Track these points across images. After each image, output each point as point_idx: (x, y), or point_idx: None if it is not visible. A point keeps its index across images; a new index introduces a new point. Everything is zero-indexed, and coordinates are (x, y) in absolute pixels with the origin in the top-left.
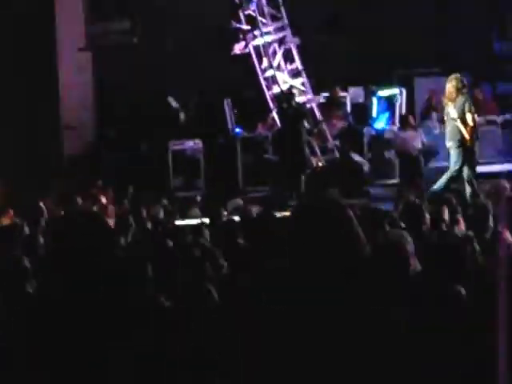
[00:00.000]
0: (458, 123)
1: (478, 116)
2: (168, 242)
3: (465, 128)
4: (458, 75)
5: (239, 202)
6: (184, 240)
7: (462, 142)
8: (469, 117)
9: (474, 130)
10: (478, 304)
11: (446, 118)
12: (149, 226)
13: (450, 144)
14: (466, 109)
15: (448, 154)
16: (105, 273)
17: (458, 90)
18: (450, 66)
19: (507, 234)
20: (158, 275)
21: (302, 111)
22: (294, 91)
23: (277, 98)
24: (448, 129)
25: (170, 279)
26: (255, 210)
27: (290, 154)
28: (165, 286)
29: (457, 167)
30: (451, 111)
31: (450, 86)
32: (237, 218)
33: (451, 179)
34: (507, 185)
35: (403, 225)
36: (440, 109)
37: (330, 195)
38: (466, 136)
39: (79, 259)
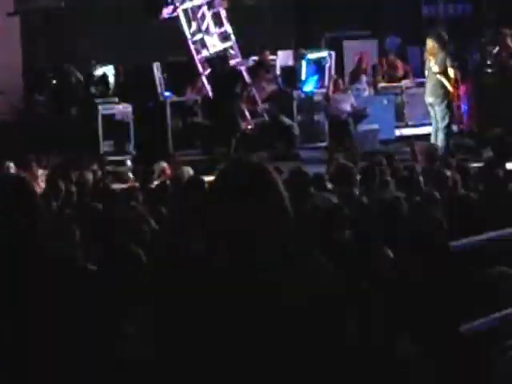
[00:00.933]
0: (442, 77)
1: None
2: (97, 205)
3: (448, 82)
4: (440, 31)
5: (164, 165)
6: (114, 203)
7: (446, 96)
8: (451, 71)
9: (456, 85)
10: (410, 265)
11: (426, 73)
12: (78, 189)
13: (432, 100)
14: (448, 63)
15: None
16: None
17: (440, 46)
18: (379, 29)
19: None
20: (86, 239)
21: (235, 74)
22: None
23: (210, 60)
24: (429, 84)
25: (99, 242)
26: (183, 172)
27: (223, 117)
28: (93, 250)
29: (446, 122)
30: (433, 66)
31: (431, 41)
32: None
33: (448, 135)
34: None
35: (331, 187)
36: (370, 71)
37: (257, 158)
38: (450, 89)
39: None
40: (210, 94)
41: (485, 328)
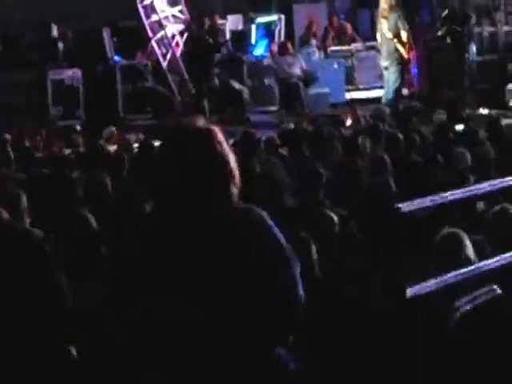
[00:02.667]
0: (396, 42)
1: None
2: (45, 170)
3: (402, 46)
4: None
5: (115, 130)
6: (62, 168)
7: (400, 60)
8: (403, 34)
9: (410, 47)
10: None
11: (379, 37)
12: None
13: (387, 63)
14: (400, 26)
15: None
16: None
17: (391, 7)
18: None
19: None
20: (34, 204)
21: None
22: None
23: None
24: (383, 48)
25: (45, 207)
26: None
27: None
28: (40, 215)
29: (397, 85)
30: (384, 28)
31: (383, 2)
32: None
33: (398, 98)
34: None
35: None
36: (320, 35)
37: (202, 121)
38: (404, 54)
39: None
40: (160, 58)
41: (432, 290)
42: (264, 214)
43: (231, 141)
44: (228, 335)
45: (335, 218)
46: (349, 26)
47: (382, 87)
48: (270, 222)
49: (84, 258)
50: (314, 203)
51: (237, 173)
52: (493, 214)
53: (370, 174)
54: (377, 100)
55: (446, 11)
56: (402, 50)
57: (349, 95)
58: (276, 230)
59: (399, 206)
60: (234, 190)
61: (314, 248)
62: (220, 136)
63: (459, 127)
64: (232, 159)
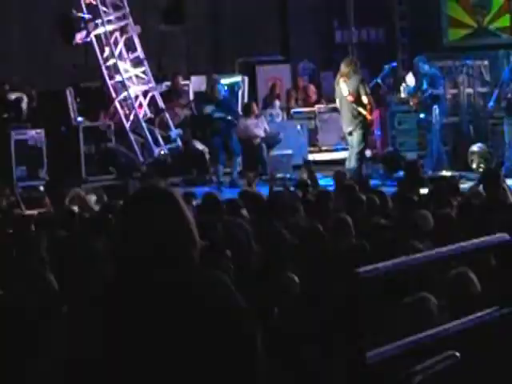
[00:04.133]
0: (357, 106)
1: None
2: (9, 230)
3: (364, 109)
4: (352, 57)
5: (78, 191)
6: (26, 229)
7: (363, 124)
8: (364, 98)
9: (371, 109)
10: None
11: (338, 102)
12: None
13: (351, 128)
14: (362, 91)
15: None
16: None
17: (353, 71)
18: (292, 55)
19: None
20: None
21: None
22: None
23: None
24: (345, 112)
25: (11, 268)
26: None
27: None
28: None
29: (361, 147)
30: (345, 92)
31: (344, 66)
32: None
33: (361, 160)
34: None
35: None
36: (283, 97)
37: (166, 185)
38: (368, 116)
39: None
40: (123, 119)
41: (391, 354)
42: (225, 279)
43: (195, 202)
44: None
45: (297, 280)
46: (312, 88)
47: (345, 149)
48: (232, 291)
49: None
50: (277, 265)
51: (197, 236)
52: (450, 277)
53: (333, 235)
54: (340, 161)
55: (410, 73)
56: (364, 112)
57: (312, 157)
58: (238, 298)
59: (359, 270)
60: (195, 253)
61: (275, 310)
62: (180, 199)
63: (424, 190)
64: (192, 222)
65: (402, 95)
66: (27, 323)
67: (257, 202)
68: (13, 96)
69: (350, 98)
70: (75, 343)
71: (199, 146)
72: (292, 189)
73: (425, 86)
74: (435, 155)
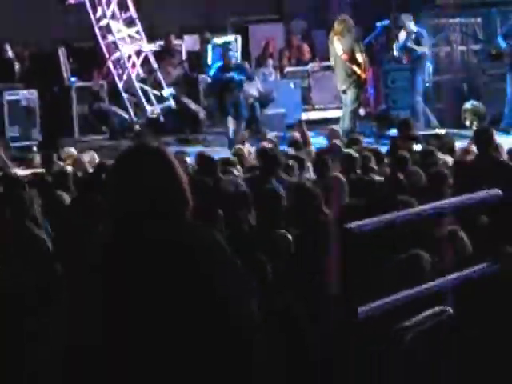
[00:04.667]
0: (351, 64)
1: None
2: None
3: (358, 67)
4: (346, 16)
5: (72, 150)
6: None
7: (357, 82)
8: (359, 56)
9: (365, 68)
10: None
11: (332, 60)
12: None
13: (345, 86)
14: (356, 48)
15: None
16: None
17: (346, 29)
18: (285, 13)
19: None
20: None
21: None
22: None
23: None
24: (339, 71)
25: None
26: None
27: None
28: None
29: (355, 105)
30: (339, 51)
31: (337, 25)
32: (69, 168)
33: (355, 118)
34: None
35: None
36: (276, 56)
37: (158, 143)
38: (361, 74)
39: None
40: (116, 79)
41: (383, 310)
42: (219, 237)
43: (189, 160)
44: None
45: (290, 238)
46: (306, 47)
47: (338, 107)
48: (225, 249)
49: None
50: (270, 224)
51: (189, 194)
52: (442, 235)
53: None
54: (334, 120)
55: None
56: (358, 71)
57: (306, 115)
58: (231, 260)
59: (349, 226)
60: (187, 211)
61: (269, 269)
62: (172, 157)
63: (417, 147)
64: (185, 180)
65: (395, 53)
66: (27, 308)
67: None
68: (5, 56)
69: (345, 57)
70: (75, 324)
71: (192, 105)
72: (285, 148)
73: (408, 43)
74: (422, 114)
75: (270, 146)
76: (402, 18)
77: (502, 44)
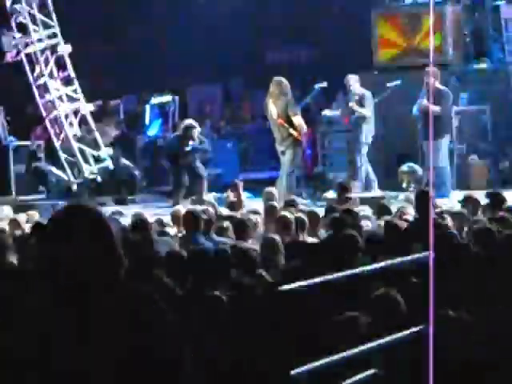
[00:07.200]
0: (287, 126)
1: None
2: None
3: (294, 130)
4: (281, 78)
5: (7, 209)
6: None
7: (294, 143)
8: (294, 119)
9: (301, 130)
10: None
11: (269, 121)
12: None
13: (283, 148)
14: (291, 113)
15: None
16: None
17: (282, 92)
18: (224, 74)
19: None
20: None
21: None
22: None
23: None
24: (276, 133)
25: None
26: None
27: None
28: None
29: (292, 167)
30: (274, 114)
31: (274, 86)
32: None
33: (292, 177)
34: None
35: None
36: (215, 116)
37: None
38: (298, 137)
39: None
40: (54, 138)
41: (317, 371)
42: (152, 294)
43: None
44: None
45: (224, 299)
46: (244, 107)
47: (275, 168)
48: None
49: None
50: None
51: (122, 255)
52: (376, 296)
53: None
54: (271, 180)
55: (341, 94)
56: (294, 133)
57: (243, 176)
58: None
59: (282, 288)
60: (121, 272)
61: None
62: (103, 218)
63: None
64: (117, 240)
65: (333, 113)
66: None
67: (186, 221)
68: None
69: (280, 121)
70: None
71: (129, 165)
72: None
73: (351, 105)
74: (364, 176)
75: (208, 207)
76: (348, 78)
77: (414, 110)
